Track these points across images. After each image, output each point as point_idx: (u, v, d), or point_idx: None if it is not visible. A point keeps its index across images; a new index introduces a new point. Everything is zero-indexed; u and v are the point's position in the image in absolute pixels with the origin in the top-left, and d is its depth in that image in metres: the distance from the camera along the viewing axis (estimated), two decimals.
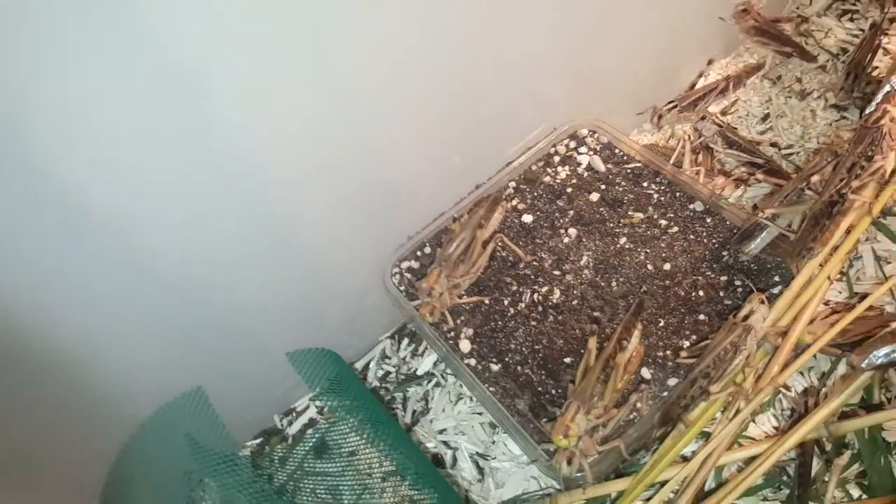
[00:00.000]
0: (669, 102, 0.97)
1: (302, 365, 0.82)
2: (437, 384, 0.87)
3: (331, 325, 0.85)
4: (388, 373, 0.93)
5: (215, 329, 0.69)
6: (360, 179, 0.72)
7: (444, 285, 0.81)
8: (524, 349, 0.79)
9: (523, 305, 0.85)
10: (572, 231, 0.92)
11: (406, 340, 0.95)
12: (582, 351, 0.76)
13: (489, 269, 0.87)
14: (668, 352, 0.76)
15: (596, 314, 0.82)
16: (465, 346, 0.82)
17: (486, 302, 0.84)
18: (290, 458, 0.77)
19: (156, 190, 0.54)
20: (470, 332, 0.83)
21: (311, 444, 0.78)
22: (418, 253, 0.91)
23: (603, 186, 0.94)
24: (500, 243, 0.88)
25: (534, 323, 0.83)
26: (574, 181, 0.95)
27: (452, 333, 0.82)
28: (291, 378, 0.80)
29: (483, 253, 0.85)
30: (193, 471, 0.67)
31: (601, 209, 0.92)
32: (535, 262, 0.88)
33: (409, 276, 0.89)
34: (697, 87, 0.99)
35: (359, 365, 0.94)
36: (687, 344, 0.76)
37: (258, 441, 0.84)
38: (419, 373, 0.92)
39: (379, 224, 0.82)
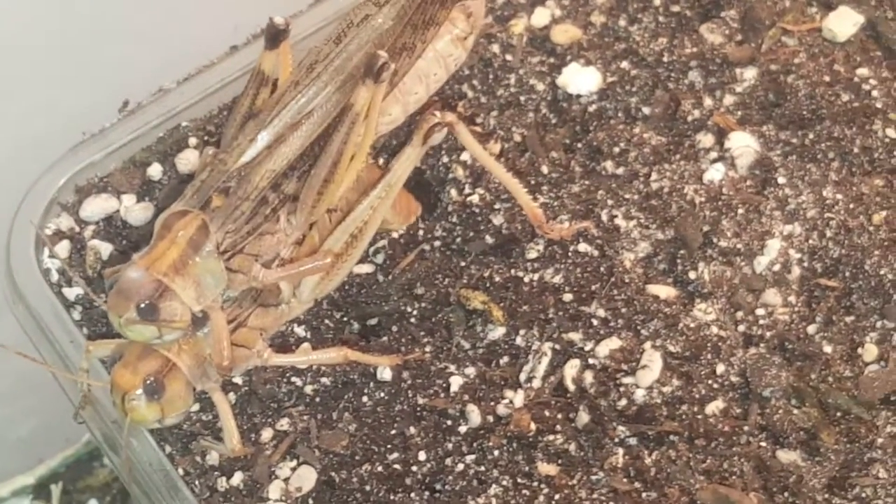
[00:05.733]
0: None
1: None
2: None
3: None
4: None
5: None
6: None
7: (213, 289, 0.76)
8: None
9: (544, 385, 0.79)
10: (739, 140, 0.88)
11: None
12: None
13: (415, 245, 0.86)
14: None
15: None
16: None
17: (408, 363, 0.82)
18: None
19: None
20: (307, 481, 0.77)
21: None
22: (135, 180, 0.90)
23: None
24: (449, 135, 0.83)
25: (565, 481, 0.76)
26: None
27: (241, 480, 0.77)
28: None
29: (392, 179, 0.82)
30: None
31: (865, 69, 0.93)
32: (591, 234, 0.85)
33: (97, 253, 0.87)
34: None
35: None
36: None
37: None
38: None
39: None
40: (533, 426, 0.76)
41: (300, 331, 0.81)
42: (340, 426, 0.77)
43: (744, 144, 0.85)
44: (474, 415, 0.76)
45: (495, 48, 0.91)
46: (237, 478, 0.76)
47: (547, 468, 0.74)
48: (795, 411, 0.75)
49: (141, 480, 0.77)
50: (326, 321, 0.82)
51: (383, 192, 0.79)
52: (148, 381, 0.72)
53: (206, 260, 0.74)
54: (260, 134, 0.77)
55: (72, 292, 0.84)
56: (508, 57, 0.91)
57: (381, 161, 0.86)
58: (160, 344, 0.74)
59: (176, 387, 0.74)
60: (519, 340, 0.79)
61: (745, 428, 0.74)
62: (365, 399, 0.78)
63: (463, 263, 0.83)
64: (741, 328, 0.78)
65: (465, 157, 0.87)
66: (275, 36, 0.80)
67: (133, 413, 0.73)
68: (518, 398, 0.77)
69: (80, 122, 0.89)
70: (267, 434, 0.77)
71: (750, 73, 0.89)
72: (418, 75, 0.82)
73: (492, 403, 0.77)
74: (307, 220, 0.78)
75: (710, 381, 0.76)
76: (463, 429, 0.76)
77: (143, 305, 0.71)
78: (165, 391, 0.73)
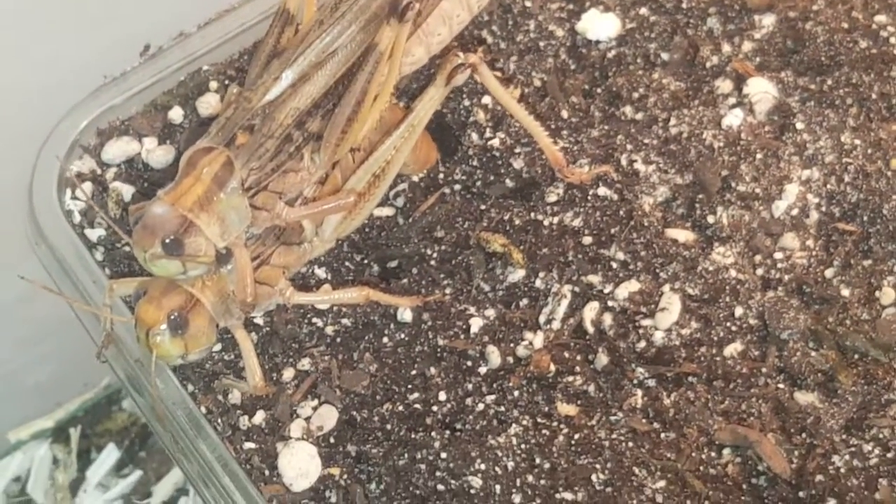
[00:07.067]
0: None
1: None
2: None
3: None
4: None
5: None
6: None
7: (237, 226, 0.76)
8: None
9: (564, 327, 0.80)
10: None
11: (115, 450, 1.01)
12: None
13: (436, 188, 0.86)
14: None
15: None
16: (299, 468, 0.75)
17: (428, 305, 0.82)
18: None
19: None
20: (329, 420, 0.77)
21: None
22: (157, 123, 0.90)
23: None
24: (471, 78, 0.82)
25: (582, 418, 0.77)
26: None
27: (263, 419, 0.77)
28: None
29: (413, 120, 0.80)
30: None
31: None
32: (611, 178, 0.84)
33: (119, 195, 0.87)
34: None
35: None
36: None
37: None
38: None
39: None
40: (552, 367, 0.75)
41: (321, 272, 0.81)
42: (361, 366, 0.77)
43: (762, 90, 0.86)
44: (494, 356, 0.76)
45: None
46: (259, 416, 0.76)
47: (566, 408, 0.74)
48: (813, 353, 0.74)
49: (164, 419, 0.77)
50: (347, 263, 0.83)
51: (406, 133, 0.79)
52: (172, 316, 0.72)
53: (231, 196, 0.73)
54: (284, 72, 0.77)
55: (94, 233, 0.84)
56: (528, 3, 0.92)
57: (402, 105, 0.82)
58: (184, 280, 0.73)
59: (199, 322, 0.73)
60: (539, 283, 0.79)
61: (764, 370, 0.74)
62: (385, 340, 0.78)
63: (483, 206, 0.84)
64: (759, 271, 0.78)
65: (486, 100, 0.88)
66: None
67: (157, 348, 0.73)
68: (538, 340, 0.77)
69: (101, 66, 0.88)
70: (288, 374, 0.77)
71: (768, 20, 0.89)
72: (442, 16, 0.82)
73: (511, 345, 0.77)
74: (331, 158, 0.78)
75: (728, 324, 0.76)
76: (483, 370, 0.76)
77: (168, 240, 0.71)
78: (189, 326, 0.73)
